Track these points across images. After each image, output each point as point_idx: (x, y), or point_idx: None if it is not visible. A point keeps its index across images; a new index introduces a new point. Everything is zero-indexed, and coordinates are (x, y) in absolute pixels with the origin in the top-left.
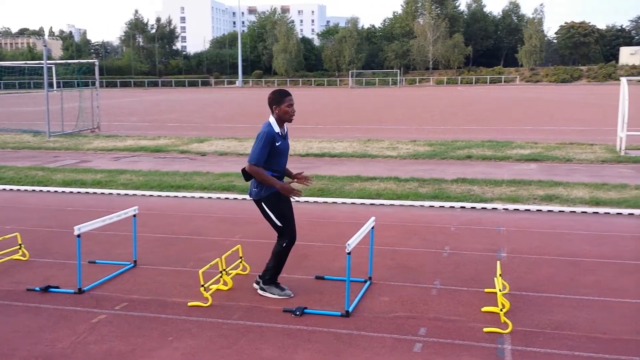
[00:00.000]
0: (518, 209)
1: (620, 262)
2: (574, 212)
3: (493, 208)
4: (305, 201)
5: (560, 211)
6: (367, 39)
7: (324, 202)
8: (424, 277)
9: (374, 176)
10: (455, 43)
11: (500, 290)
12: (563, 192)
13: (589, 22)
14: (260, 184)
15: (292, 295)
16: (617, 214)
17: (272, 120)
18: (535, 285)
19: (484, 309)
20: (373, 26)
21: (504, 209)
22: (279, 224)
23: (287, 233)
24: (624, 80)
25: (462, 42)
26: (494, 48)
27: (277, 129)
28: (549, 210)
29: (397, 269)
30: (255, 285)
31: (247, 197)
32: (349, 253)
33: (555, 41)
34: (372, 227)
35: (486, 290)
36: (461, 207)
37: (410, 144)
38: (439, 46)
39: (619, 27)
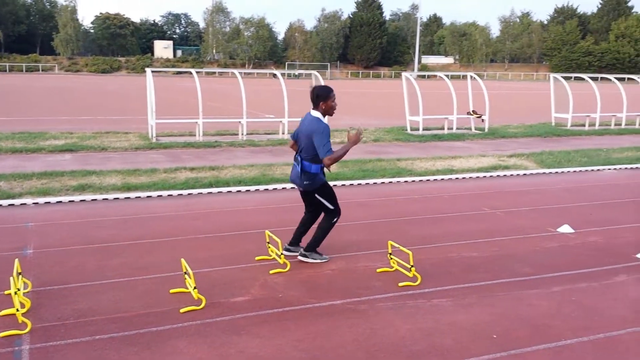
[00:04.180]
0: (49, 202)
1: (145, 242)
2: (107, 199)
3: (22, 203)
4: None
5: (93, 200)
6: None
7: None
8: None
9: None
10: None
11: (19, 290)
12: (96, 181)
13: (124, 15)
14: (310, 178)
15: (328, 259)
16: (148, 196)
17: (318, 114)
18: (61, 277)
19: (1, 313)
20: None
21: (33, 203)
22: (331, 207)
23: (337, 212)
24: (149, 71)
25: None
26: (27, 34)
27: (326, 122)
28: (81, 200)
29: None
30: (298, 256)
31: None
32: None
33: (92, 31)
34: None
35: (6, 292)
36: None
37: None
38: None
39: (152, 22)
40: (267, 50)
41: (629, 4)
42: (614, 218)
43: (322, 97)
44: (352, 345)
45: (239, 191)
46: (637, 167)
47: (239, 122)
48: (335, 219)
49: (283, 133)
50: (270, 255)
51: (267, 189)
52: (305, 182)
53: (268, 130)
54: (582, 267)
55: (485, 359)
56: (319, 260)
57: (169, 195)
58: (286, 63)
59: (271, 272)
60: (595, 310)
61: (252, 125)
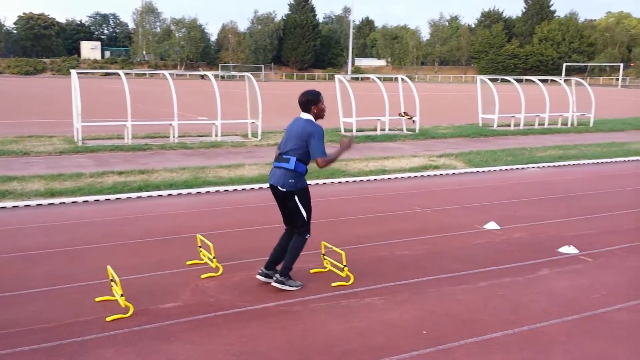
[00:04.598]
0: None
1: (70, 249)
2: (29, 205)
3: None
4: None
5: (14, 206)
6: None
7: None
8: None
9: None
10: None
11: None
12: (18, 187)
13: (49, 15)
14: (296, 177)
15: (302, 285)
16: (73, 202)
17: (311, 117)
18: None
19: None
20: None
21: None
22: (305, 216)
23: (308, 226)
24: (74, 72)
25: None
26: None
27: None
28: (1, 207)
29: None
30: (273, 282)
31: None
32: None
33: (15, 32)
34: None
35: None
36: None
37: None
38: None
39: (79, 22)
40: (199, 51)
41: (552, 8)
42: (537, 214)
43: (313, 102)
44: (284, 347)
45: (170, 195)
46: (559, 165)
47: (170, 124)
48: (307, 236)
49: (216, 135)
50: (202, 260)
51: (199, 192)
52: (290, 181)
53: (201, 133)
54: (508, 262)
55: (416, 354)
56: (294, 288)
57: (95, 200)
58: (219, 65)
59: (203, 276)
60: (519, 304)
61: (184, 128)
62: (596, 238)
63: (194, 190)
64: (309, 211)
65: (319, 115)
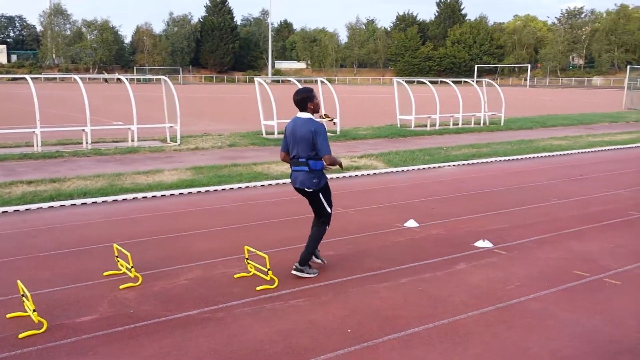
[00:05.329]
0: None
1: None
2: None
3: None
4: None
5: None
6: None
7: None
8: None
9: None
10: None
11: None
12: None
13: None
14: (318, 176)
15: (317, 274)
16: None
17: (308, 115)
18: None
19: None
20: None
21: None
22: (329, 210)
23: (329, 218)
24: None
25: None
26: None
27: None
28: None
29: None
30: (292, 270)
31: None
32: None
33: None
34: None
35: None
36: None
37: None
38: None
39: None
40: (112, 54)
41: (463, 12)
42: (453, 211)
43: (308, 98)
44: (209, 355)
45: (84, 204)
46: (473, 163)
47: (83, 130)
48: (327, 227)
49: (132, 140)
50: (120, 270)
51: (115, 200)
52: (314, 181)
53: (116, 138)
54: (427, 258)
55: (341, 353)
56: (312, 275)
57: (3, 212)
58: (134, 67)
59: (121, 287)
60: (439, 298)
61: (98, 133)
62: (509, 232)
63: (109, 198)
64: (330, 205)
65: (315, 109)
